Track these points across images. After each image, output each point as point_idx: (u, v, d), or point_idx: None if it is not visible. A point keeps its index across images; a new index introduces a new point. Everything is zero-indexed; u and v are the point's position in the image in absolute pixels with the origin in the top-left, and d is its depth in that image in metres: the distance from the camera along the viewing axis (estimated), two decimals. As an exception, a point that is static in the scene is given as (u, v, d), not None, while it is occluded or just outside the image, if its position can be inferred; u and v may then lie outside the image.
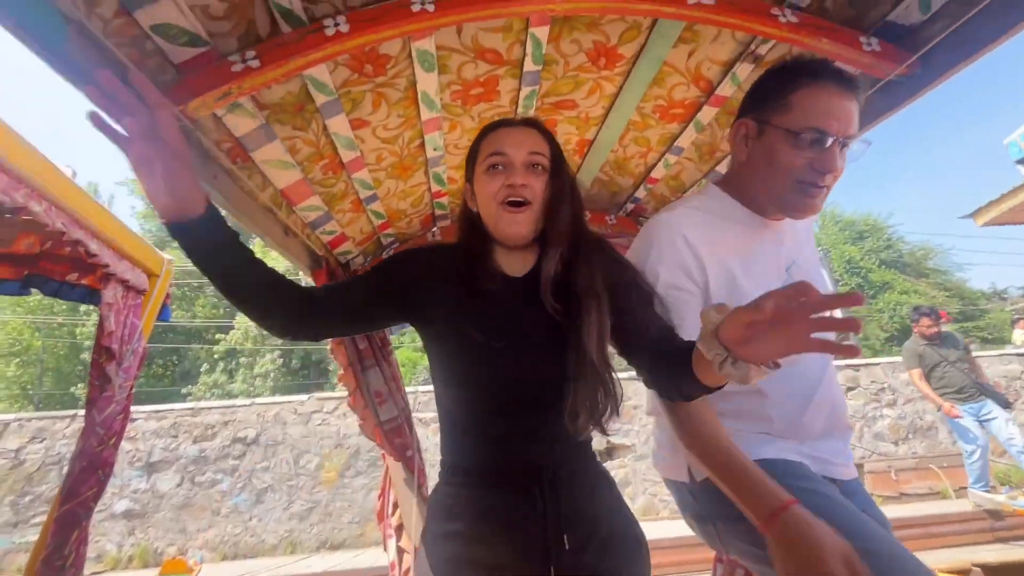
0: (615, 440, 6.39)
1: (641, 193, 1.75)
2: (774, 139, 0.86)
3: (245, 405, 6.48)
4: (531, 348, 0.83)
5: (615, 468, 6.30)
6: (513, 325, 0.84)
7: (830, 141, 0.82)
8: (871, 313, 18.09)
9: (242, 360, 17.43)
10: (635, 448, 6.42)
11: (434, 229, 1.88)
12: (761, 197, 0.92)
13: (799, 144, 0.83)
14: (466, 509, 0.82)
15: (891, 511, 3.69)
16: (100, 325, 2.03)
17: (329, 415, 6.41)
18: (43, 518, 1.95)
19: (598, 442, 6.63)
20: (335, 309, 0.88)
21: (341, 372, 1.59)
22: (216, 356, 17.60)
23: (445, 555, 0.80)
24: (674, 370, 0.73)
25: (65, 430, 6.16)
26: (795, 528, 0.65)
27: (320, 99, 1.02)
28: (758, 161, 0.89)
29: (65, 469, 2.03)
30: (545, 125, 0.93)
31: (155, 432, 6.21)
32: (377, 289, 0.89)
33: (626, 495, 6.21)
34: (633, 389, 6.80)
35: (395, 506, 1.62)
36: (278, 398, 6.54)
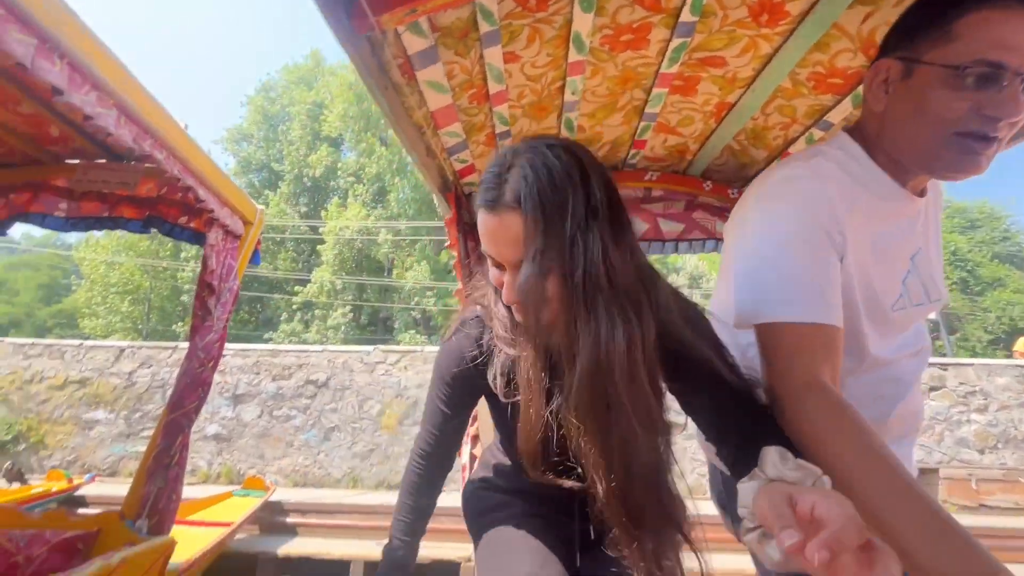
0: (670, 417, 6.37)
1: None
2: (927, 80, 0.68)
3: (317, 351, 7.03)
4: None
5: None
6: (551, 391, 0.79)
7: (1008, 78, 0.63)
8: (974, 311, 16.35)
9: (316, 312, 18.73)
10: (686, 425, 6.37)
11: None
12: (905, 157, 0.74)
13: (962, 83, 0.65)
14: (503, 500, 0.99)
15: (966, 520, 3.40)
16: (203, 264, 2.31)
17: (392, 367, 6.82)
18: (150, 431, 2.29)
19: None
20: (456, 440, 0.96)
21: (458, 288, 1.72)
22: (294, 307, 19.02)
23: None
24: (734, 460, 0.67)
25: (168, 359, 7.00)
26: None
27: (484, 28, 1.05)
28: (901, 110, 0.72)
29: (168, 391, 2.36)
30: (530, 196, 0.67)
31: (240, 368, 6.91)
32: (461, 405, 0.92)
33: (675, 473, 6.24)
34: (690, 369, 6.70)
35: (474, 417, 1.75)
36: (347, 347, 7.04)
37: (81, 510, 2.41)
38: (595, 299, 0.65)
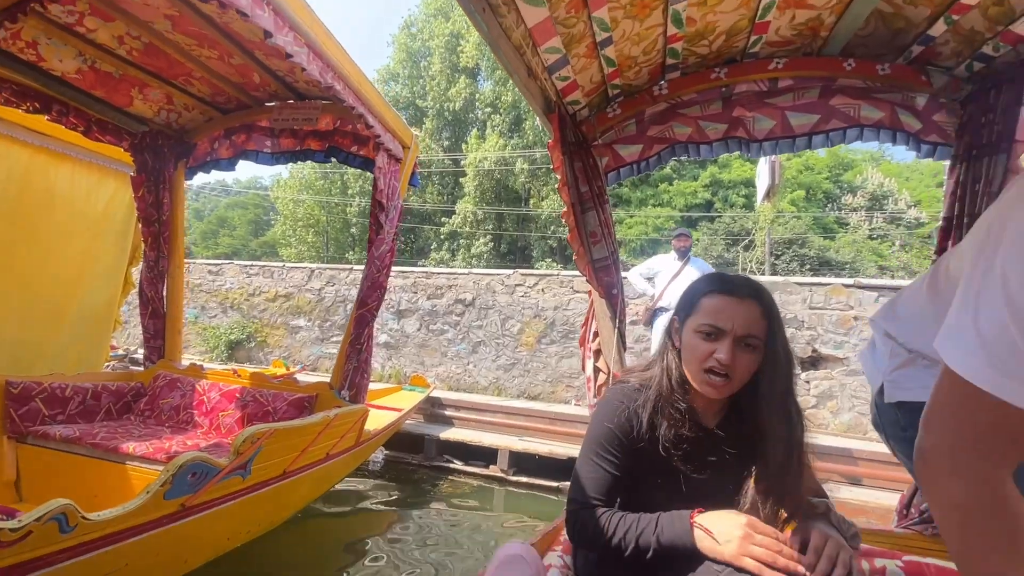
0: (824, 350, 5.81)
1: (939, 29, 1.37)
2: None
3: (464, 273, 7.69)
4: (719, 484, 1.02)
5: (820, 378, 5.81)
6: (708, 463, 1.01)
7: None
8: None
9: (461, 242, 20.18)
10: (847, 362, 5.76)
11: (662, 82, 1.84)
12: None
13: None
14: None
15: None
16: (374, 185, 2.67)
17: (530, 289, 7.21)
18: (339, 338, 2.83)
19: (802, 349, 6.12)
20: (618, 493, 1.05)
21: (565, 209, 1.84)
22: (442, 236, 20.69)
23: None
24: None
25: (345, 278, 8.28)
26: None
27: None
28: None
29: (348, 306, 2.85)
30: (767, 295, 0.96)
31: (401, 287, 7.89)
32: (628, 461, 1.02)
33: (827, 408, 5.69)
34: (856, 299, 5.94)
35: (595, 334, 1.90)
36: (489, 270, 7.57)
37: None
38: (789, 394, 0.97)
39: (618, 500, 1.06)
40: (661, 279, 4.67)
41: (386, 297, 8.33)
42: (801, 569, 0.81)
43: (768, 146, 1.74)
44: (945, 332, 0.61)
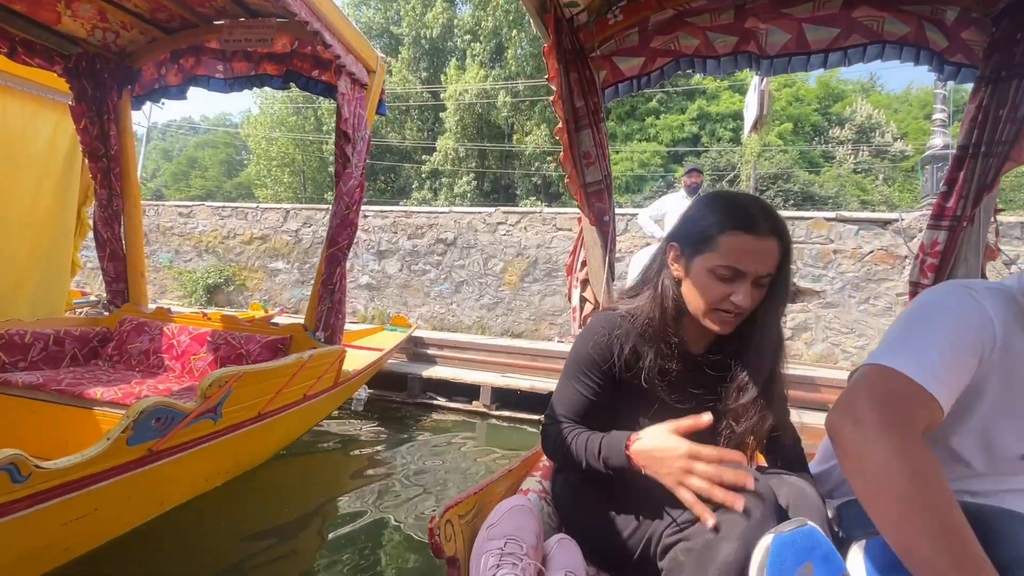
0: (803, 284, 5.89)
1: None
2: None
3: (445, 212, 7.51)
4: (700, 412, 0.94)
5: (796, 311, 5.93)
6: (691, 394, 0.97)
7: None
8: None
9: (443, 180, 19.62)
10: (825, 295, 5.87)
11: None
12: None
13: None
14: None
15: None
16: (338, 114, 2.48)
17: (512, 227, 7.09)
18: None
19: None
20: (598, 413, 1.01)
21: (559, 126, 1.70)
22: (423, 175, 20.06)
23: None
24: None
25: (323, 219, 8.03)
26: None
27: None
28: None
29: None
30: (787, 230, 0.89)
31: (381, 227, 7.70)
32: (608, 386, 0.99)
33: (802, 340, 5.85)
34: (836, 232, 5.96)
35: (583, 264, 1.84)
36: (470, 208, 7.41)
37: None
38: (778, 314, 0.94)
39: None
40: (669, 220, 4.47)
41: (366, 238, 8.16)
42: (739, 501, 0.75)
43: (780, 63, 1.59)
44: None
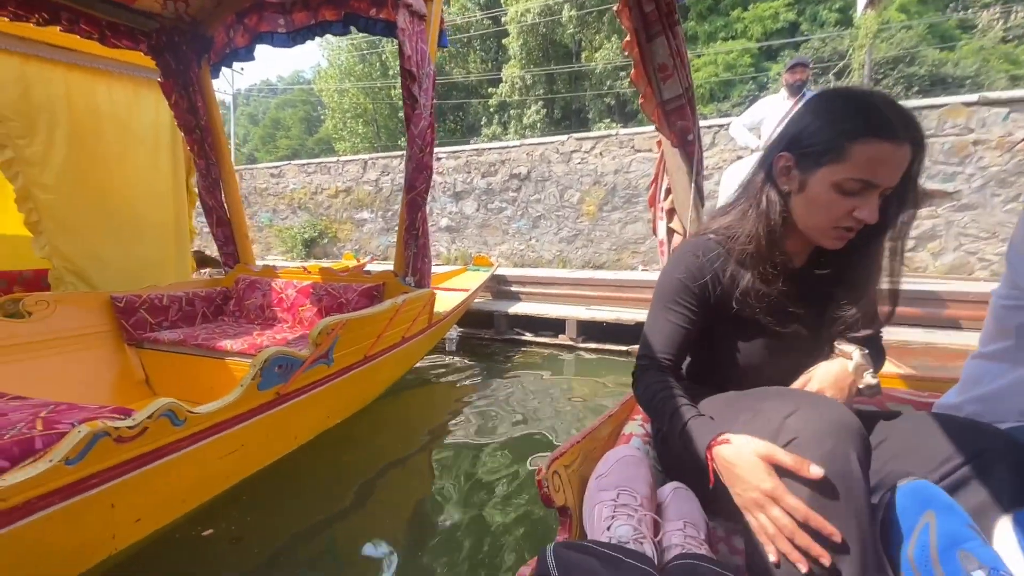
0: (932, 185, 5.09)
1: None
2: None
3: (516, 146, 7.31)
4: (800, 336, 0.90)
5: (922, 217, 5.18)
6: (791, 314, 0.89)
7: None
8: None
9: (511, 112, 19.00)
10: (959, 196, 5.05)
11: None
12: None
13: None
14: None
15: None
16: (400, 52, 2.40)
17: (587, 155, 6.76)
18: None
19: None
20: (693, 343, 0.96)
21: (627, 39, 1.53)
22: (492, 109, 19.55)
23: None
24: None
25: (399, 166, 8.17)
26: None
27: None
28: None
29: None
30: (921, 130, 0.76)
31: (454, 168, 7.70)
32: (703, 314, 0.93)
33: (927, 250, 5.19)
34: (979, 119, 4.99)
35: (668, 191, 1.70)
36: (542, 139, 7.12)
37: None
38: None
39: (688, 358, 1.01)
40: (766, 126, 3.91)
41: (441, 180, 8.24)
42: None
43: None
44: None
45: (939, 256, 5.24)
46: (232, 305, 2.83)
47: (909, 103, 5.56)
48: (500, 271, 5.43)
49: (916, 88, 11.78)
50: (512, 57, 18.50)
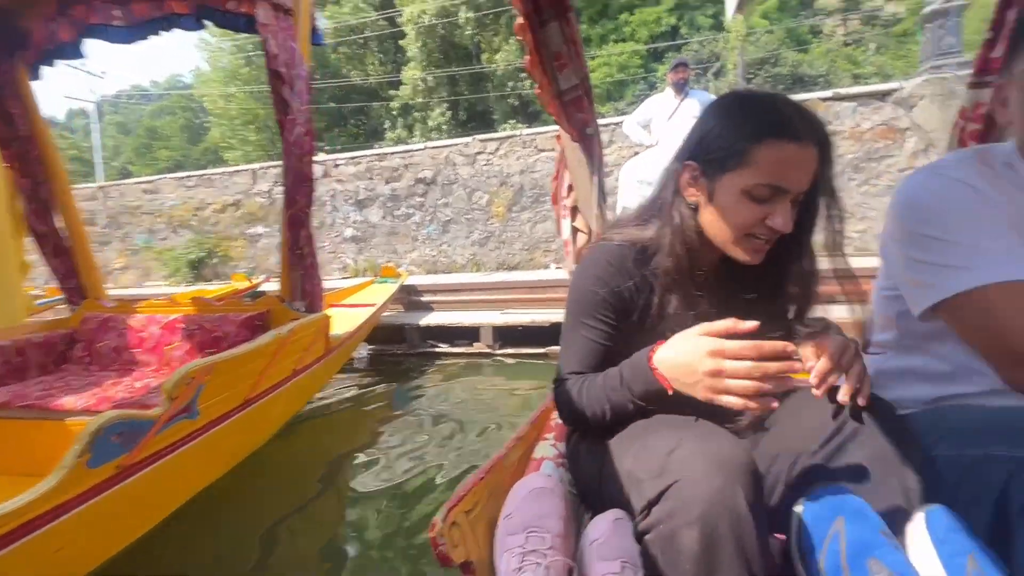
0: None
1: None
2: None
3: (419, 149, 7.08)
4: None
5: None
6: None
7: None
8: None
9: (416, 115, 18.55)
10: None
11: None
12: None
13: None
14: None
15: None
16: (265, 50, 2.13)
17: (492, 156, 6.69)
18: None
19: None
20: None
21: (519, 21, 1.42)
22: (394, 112, 18.94)
23: None
24: None
25: (294, 175, 7.63)
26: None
27: None
28: None
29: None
30: (827, 132, 0.74)
31: (355, 175, 7.30)
32: (621, 327, 0.84)
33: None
34: (834, 112, 5.58)
35: (570, 188, 1.61)
36: (445, 141, 6.97)
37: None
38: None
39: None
40: (656, 123, 4.12)
41: (342, 188, 7.78)
42: (799, 367, 0.68)
43: None
44: None
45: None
46: (79, 351, 2.37)
47: (778, 100, 6.11)
48: (411, 280, 5.20)
49: (781, 86, 13.08)
50: (412, 59, 18.08)
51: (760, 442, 0.81)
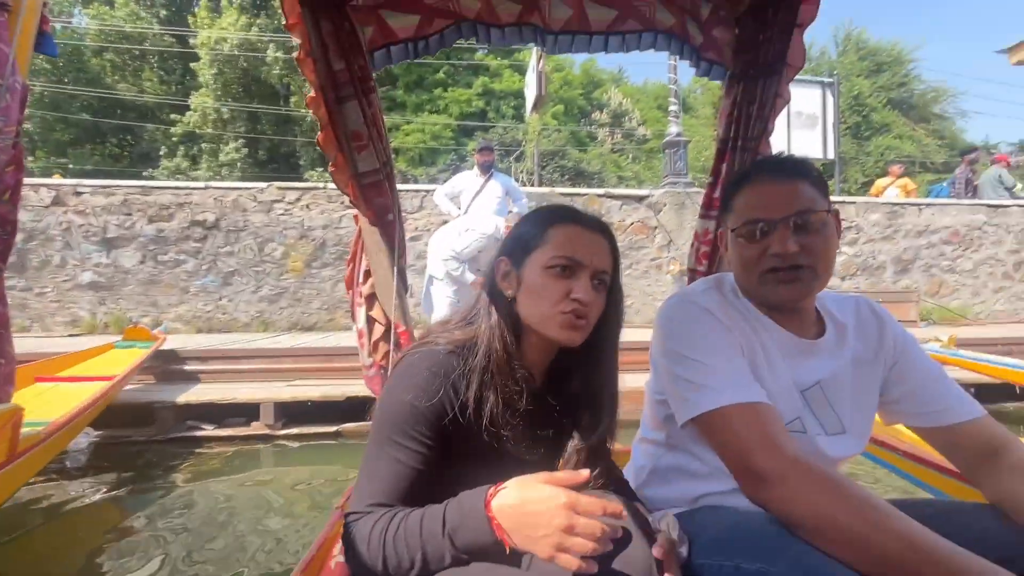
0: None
1: None
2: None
3: (200, 188, 6.13)
4: (552, 455, 0.87)
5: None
6: (540, 438, 0.86)
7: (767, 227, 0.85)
8: (859, 155, 17.71)
9: (204, 146, 16.25)
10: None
11: None
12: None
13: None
14: None
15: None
16: (-49, 48, 1.60)
17: (291, 206, 6.17)
18: None
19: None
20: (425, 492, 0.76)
21: (311, 94, 1.26)
22: (175, 139, 16.30)
23: None
24: None
25: None
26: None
27: None
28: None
29: None
30: (609, 228, 0.87)
31: (105, 208, 5.91)
32: (439, 450, 0.77)
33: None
34: (606, 207, 6.72)
35: (367, 274, 1.48)
36: (235, 183, 6.22)
37: None
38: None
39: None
40: (465, 197, 4.43)
41: (83, 222, 6.23)
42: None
43: (564, 40, 1.47)
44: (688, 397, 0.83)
45: (591, 310, 6.68)
46: None
47: (564, 190, 7.11)
48: (171, 344, 4.26)
49: (567, 177, 15.37)
50: (204, 85, 16.07)
51: None
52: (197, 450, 3.24)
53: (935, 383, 0.89)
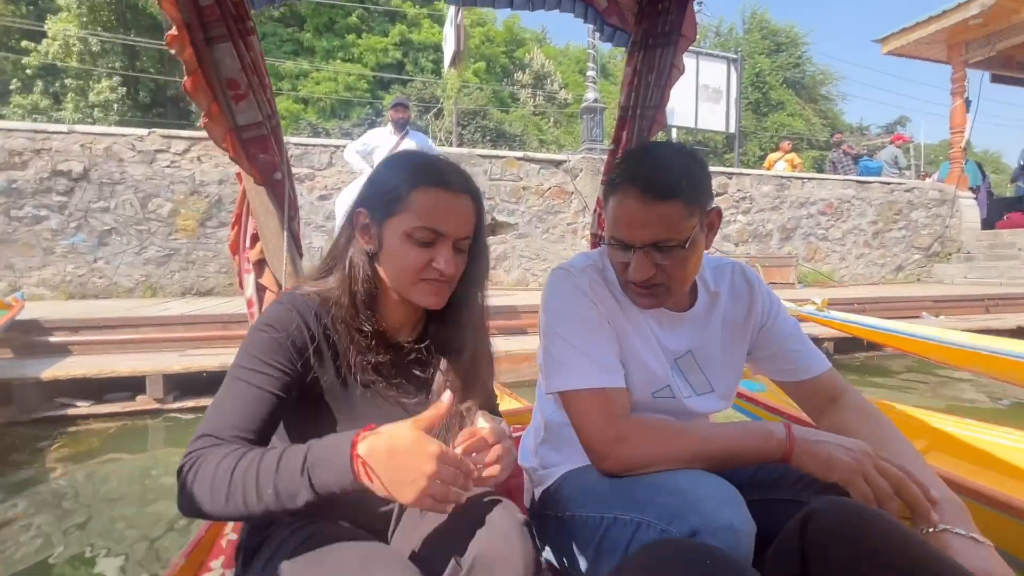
0: (500, 217, 6.50)
1: None
2: None
3: (62, 132, 5.28)
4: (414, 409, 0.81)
5: (496, 243, 6.55)
6: (409, 392, 0.86)
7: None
8: (757, 130, 19.07)
9: (69, 83, 13.90)
10: (517, 227, 6.64)
11: None
12: None
13: None
14: None
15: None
16: None
17: (179, 157, 5.53)
18: None
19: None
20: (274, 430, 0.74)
21: (172, 32, 1.07)
22: (29, 72, 13.78)
23: None
24: None
25: None
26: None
27: None
28: None
29: None
30: (476, 187, 0.84)
31: (-66, 152, 4.94)
32: (298, 385, 0.76)
33: (502, 268, 6.49)
34: (524, 171, 6.72)
35: (254, 239, 1.35)
36: (107, 128, 5.44)
37: None
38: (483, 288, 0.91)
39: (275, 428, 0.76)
40: (378, 155, 4.24)
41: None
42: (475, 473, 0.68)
43: None
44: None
45: (509, 272, 6.77)
46: None
47: (483, 151, 7.00)
48: (36, 312, 3.73)
49: (488, 137, 15.12)
50: (65, 8, 13.64)
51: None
52: (71, 428, 2.90)
53: (794, 342, 1.01)
